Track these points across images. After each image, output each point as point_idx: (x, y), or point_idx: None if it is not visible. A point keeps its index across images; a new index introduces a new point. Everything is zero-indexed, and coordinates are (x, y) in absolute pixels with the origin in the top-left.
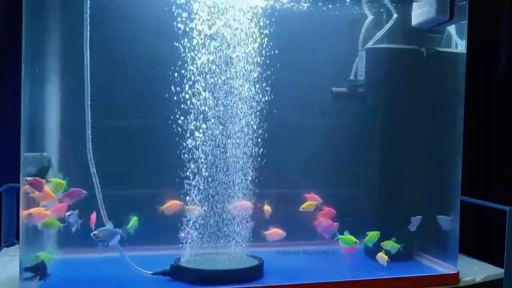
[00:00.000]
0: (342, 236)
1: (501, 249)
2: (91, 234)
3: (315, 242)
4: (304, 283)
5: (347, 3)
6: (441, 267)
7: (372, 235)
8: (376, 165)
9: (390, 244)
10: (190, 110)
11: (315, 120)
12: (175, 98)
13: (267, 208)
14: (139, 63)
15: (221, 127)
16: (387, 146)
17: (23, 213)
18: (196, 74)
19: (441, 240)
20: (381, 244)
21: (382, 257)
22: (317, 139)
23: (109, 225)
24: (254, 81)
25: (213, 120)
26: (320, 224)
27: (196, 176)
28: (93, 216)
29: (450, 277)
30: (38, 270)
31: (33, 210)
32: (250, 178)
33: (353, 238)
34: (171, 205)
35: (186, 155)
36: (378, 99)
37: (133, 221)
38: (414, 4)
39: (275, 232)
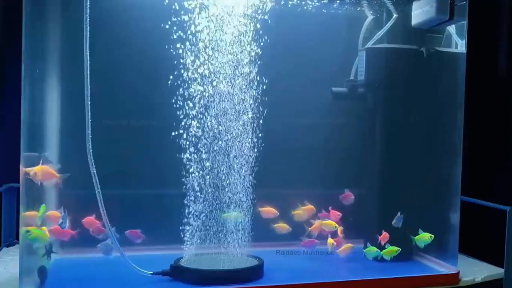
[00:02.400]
0: (386, 250)
1: (501, 249)
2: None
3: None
4: (304, 283)
5: (347, 3)
6: (441, 267)
7: (424, 237)
8: (376, 165)
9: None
10: (190, 110)
11: (314, 120)
12: (175, 98)
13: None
14: (138, 62)
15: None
16: (387, 146)
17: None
18: (196, 75)
19: (441, 240)
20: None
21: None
22: (317, 139)
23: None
24: (255, 81)
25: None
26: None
27: (199, 177)
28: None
29: (450, 277)
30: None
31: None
32: (250, 178)
33: (395, 248)
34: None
35: (186, 155)
36: (378, 99)
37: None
38: (414, 4)
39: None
